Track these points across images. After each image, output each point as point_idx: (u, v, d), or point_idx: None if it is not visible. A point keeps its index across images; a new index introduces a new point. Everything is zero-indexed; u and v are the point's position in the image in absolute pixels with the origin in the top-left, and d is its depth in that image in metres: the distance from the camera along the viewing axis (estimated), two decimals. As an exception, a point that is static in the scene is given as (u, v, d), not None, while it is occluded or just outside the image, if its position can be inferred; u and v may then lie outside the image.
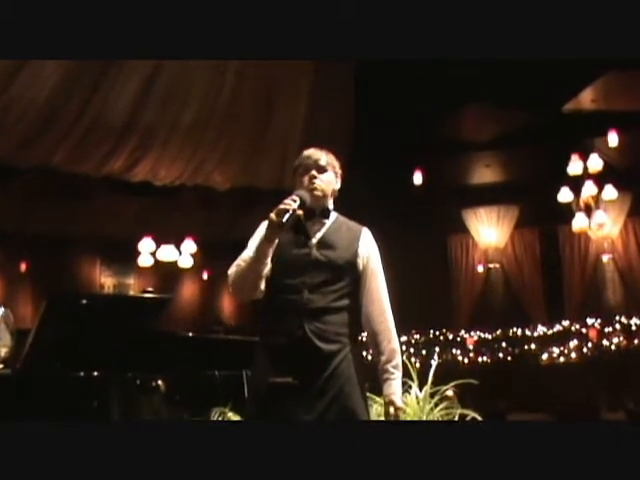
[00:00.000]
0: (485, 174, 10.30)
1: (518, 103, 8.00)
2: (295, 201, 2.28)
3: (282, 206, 2.26)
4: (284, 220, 2.24)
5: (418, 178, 9.33)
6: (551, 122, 8.19)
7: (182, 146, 8.13)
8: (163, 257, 9.32)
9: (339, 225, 2.51)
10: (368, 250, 2.50)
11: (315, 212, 2.44)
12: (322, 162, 2.47)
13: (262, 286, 2.36)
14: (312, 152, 2.50)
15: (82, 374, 4.04)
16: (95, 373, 4.07)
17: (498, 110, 8.40)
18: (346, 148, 8.84)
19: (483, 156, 9.74)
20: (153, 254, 9.27)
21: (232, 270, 2.39)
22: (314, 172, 2.45)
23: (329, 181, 2.48)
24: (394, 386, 2.42)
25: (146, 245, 9.18)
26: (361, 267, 2.46)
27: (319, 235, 2.43)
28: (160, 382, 4.29)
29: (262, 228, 2.45)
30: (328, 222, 2.48)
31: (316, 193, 2.42)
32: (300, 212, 2.30)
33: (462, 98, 7.99)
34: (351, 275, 2.43)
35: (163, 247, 9.31)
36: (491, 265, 10.79)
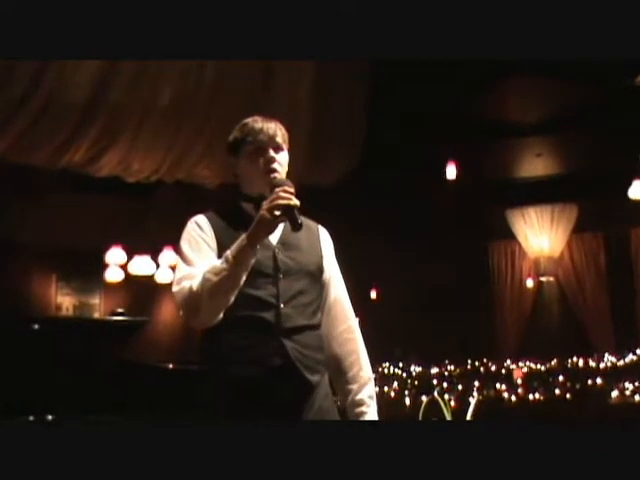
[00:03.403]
0: (535, 165, 10.31)
1: (577, 74, 7.90)
2: (292, 193, 2.21)
3: (280, 201, 2.18)
4: (299, 221, 2.20)
5: (451, 172, 9.28)
6: (620, 98, 8.08)
7: (159, 133, 8.08)
8: (136, 270, 9.30)
9: None
10: (329, 252, 2.51)
11: None
12: (279, 139, 2.44)
13: None
14: (265, 125, 2.44)
15: (32, 418, 3.94)
16: (49, 417, 3.97)
17: (551, 84, 8.32)
18: (360, 136, 8.85)
19: (532, 143, 9.72)
20: (124, 267, 9.25)
21: (192, 288, 2.23)
22: (272, 153, 2.40)
23: (286, 162, 2.45)
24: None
25: (115, 256, 9.14)
26: (326, 274, 2.46)
27: (278, 234, 2.36)
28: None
29: (198, 231, 2.36)
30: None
31: (277, 181, 2.33)
32: (297, 204, 2.21)
33: (504, 69, 7.88)
34: (320, 283, 2.43)
35: (136, 258, 9.30)
36: (544, 278, 10.81)
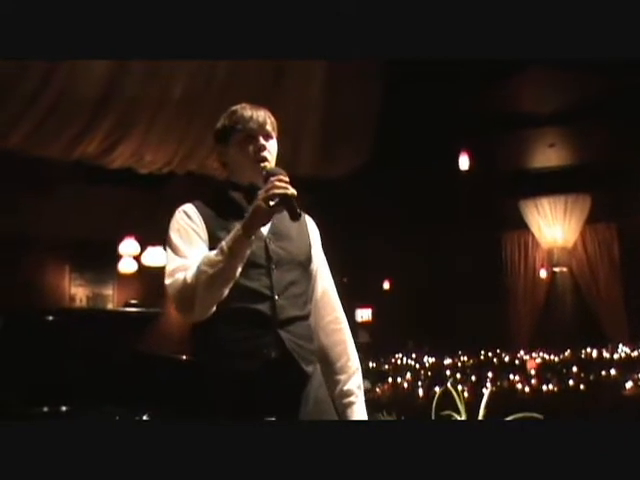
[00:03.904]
0: (549, 156, 10.26)
1: (590, 66, 7.84)
2: (287, 182, 2.17)
3: (277, 190, 2.13)
4: (297, 211, 2.16)
5: (464, 163, 9.24)
6: (634, 88, 8.02)
7: (172, 125, 8.07)
8: (149, 262, 9.29)
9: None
10: (316, 242, 2.49)
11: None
12: (269, 127, 2.39)
13: None
14: (254, 113, 2.39)
15: (47, 409, 3.93)
16: (63, 408, 3.97)
17: (564, 75, 8.27)
18: (370, 133, 8.82)
19: (546, 133, 9.68)
20: (137, 258, 9.26)
21: (185, 280, 2.19)
22: (262, 141, 2.36)
23: (275, 150, 2.41)
24: (360, 411, 2.43)
25: (128, 247, 9.17)
26: (314, 263, 2.44)
27: (269, 224, 2.30)
28: (146, 418, 4.20)
29: (187, 221, 2.32)
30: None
31: (271, 170, 2.29)
32: (295, 193, 2.17)
33: (517, 59, 7.85)
34: (310, 273, 2.41)
35: (149, 249, 9.29)
36: (557, 269, 10.77)
